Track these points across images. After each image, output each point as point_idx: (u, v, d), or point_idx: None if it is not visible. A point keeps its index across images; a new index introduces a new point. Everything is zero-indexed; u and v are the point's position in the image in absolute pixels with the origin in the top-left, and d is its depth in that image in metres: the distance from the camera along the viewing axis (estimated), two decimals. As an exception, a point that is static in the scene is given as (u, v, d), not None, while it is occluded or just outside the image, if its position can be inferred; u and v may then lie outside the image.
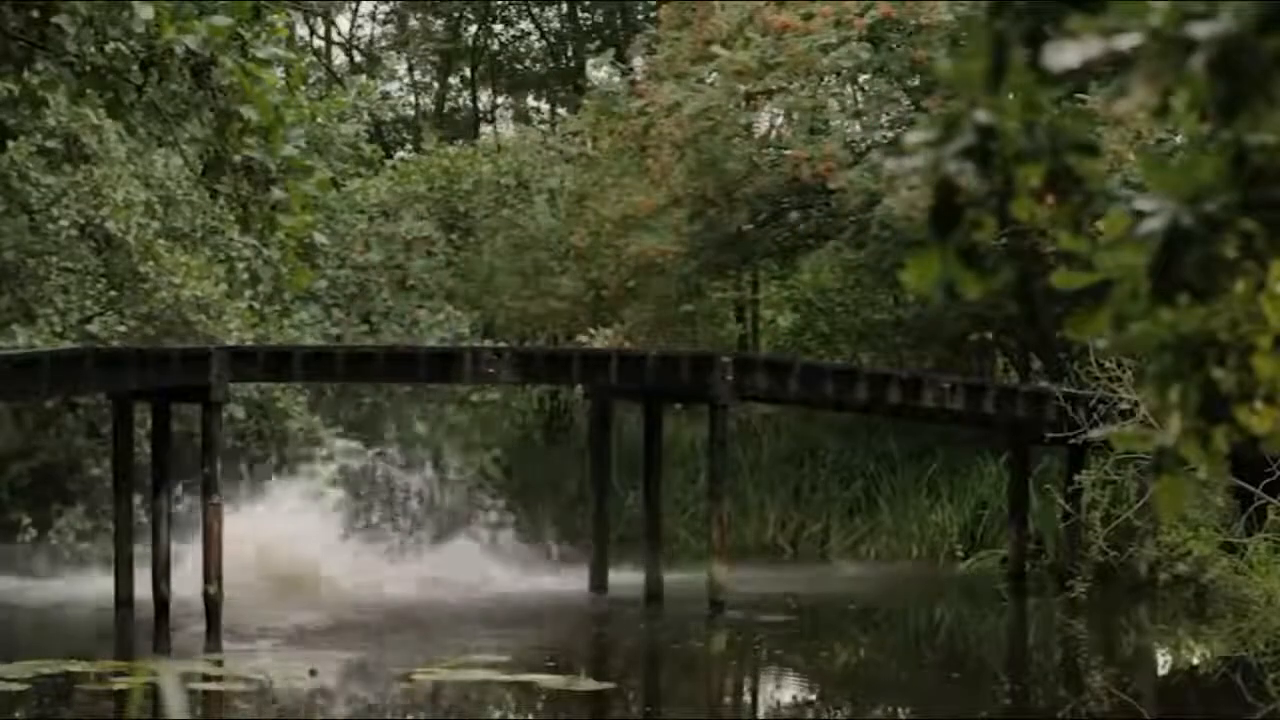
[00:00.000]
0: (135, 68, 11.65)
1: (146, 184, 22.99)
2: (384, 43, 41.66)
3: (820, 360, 25.48)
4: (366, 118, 30.93)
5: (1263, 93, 2.43)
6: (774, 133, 26.11)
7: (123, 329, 21.94)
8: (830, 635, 18.31)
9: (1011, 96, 2.55)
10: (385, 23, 42.44)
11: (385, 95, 35.65)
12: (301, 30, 38.61)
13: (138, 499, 19.44)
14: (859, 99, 26.31)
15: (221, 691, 13.91)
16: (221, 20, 11.43)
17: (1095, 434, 3.26)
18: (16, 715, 13.38)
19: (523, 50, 42.07)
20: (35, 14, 11.64)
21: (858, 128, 25.01)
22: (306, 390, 25.04)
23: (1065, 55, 2.49)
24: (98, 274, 22.51)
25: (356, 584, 20.18)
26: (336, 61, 40.65)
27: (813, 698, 15.20)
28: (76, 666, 14.63)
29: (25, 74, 12.37)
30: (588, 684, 14.66)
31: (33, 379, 17.12)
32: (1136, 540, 20.16)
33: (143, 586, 18.41)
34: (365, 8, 50.51)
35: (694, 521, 24.28)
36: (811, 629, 18.62)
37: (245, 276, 23.05)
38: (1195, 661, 17.49)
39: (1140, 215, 2.56)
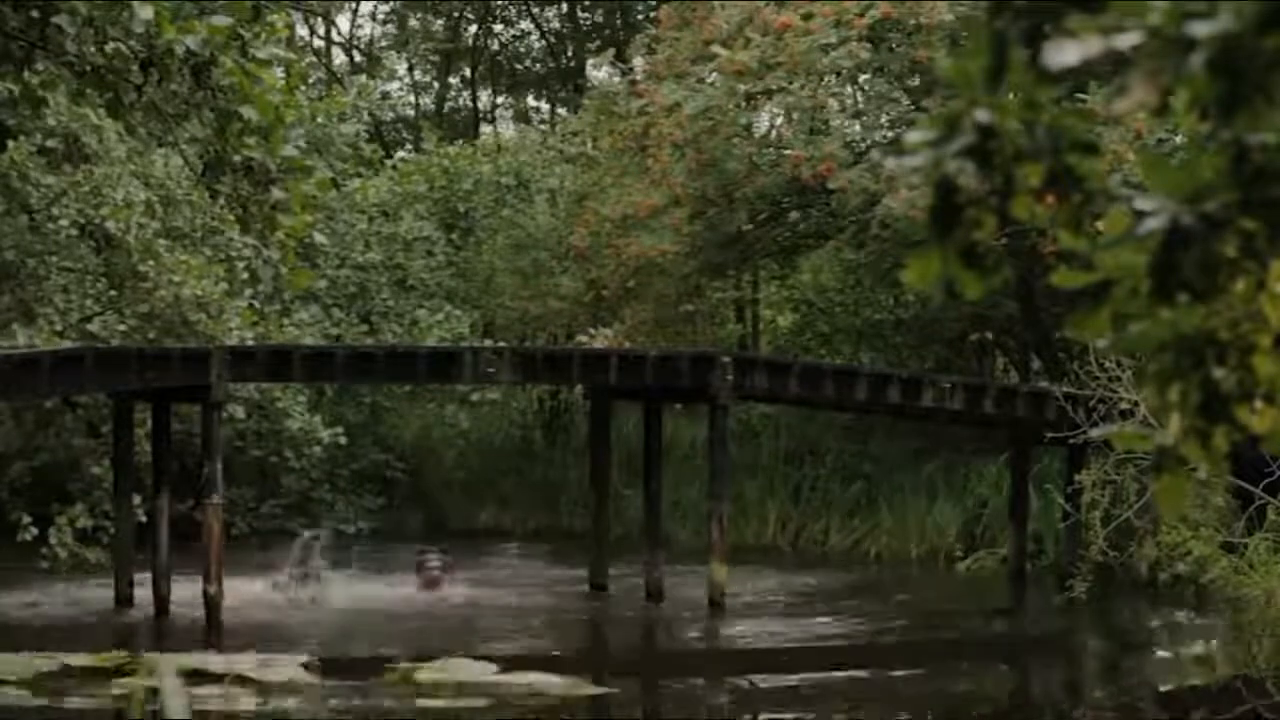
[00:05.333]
0: (135, 68, 11.65)
1: (146, 184, 22.98)
2: (384, 43, 41.66)
3: (820, 360, 25.48)
4: (366, 118, 30.94)
5: (1263, 92, 2.43)
6: (774, 133, 26.11)
7: (123, 329, 21.93)
8: (829, 633, 18.29)
9: (1011, 96, 2.55)
10: (385, 23, 42.48)
11: (385, 95, 35.67)
12: (301, 30, 38.63)
13: (137, 499, 19.45)
14: (859, 99, 26.31)
15: (222, 692, 13.90)
16: (221, 20, 11.44)
17: (1095, 434, 3.26)
18: (15, 716, 13.37)
19: (523, 50, 42.09)
20: (35, 14, 11.65)
21: (858, 128, 25.00)
22: (306, 390, 25.05)
23: (1065, 54, 2.49)
24: (98, 274, 22.51)
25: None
26: (336, 61, 40.67)
27: (813, 696, 15.18)
28: (76, 667, 14.61)
29: (25, 74, 12.37)
30: (588, 684, 14.66)
31: (33, 379, 17.12)
32: (1136, 540, 20.16)
33: (142, 586, 18.43)
34: (365, 8, 50.59)
35: (694, 521, 24.29)
36: (810, 626, 18.61)
37: (245, 276, 23.05)
38: (1195, 665, 17.46)
39: (1140, 215, 2.56)
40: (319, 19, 40.08)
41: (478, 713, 13.95)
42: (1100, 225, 2.62)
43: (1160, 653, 18.10)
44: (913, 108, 23.41)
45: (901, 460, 25.18)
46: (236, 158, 11.92)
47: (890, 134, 23.63)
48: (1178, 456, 2.69)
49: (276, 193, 12.05)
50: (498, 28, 41.64)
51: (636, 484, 22.81)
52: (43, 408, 23.04)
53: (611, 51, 31.36)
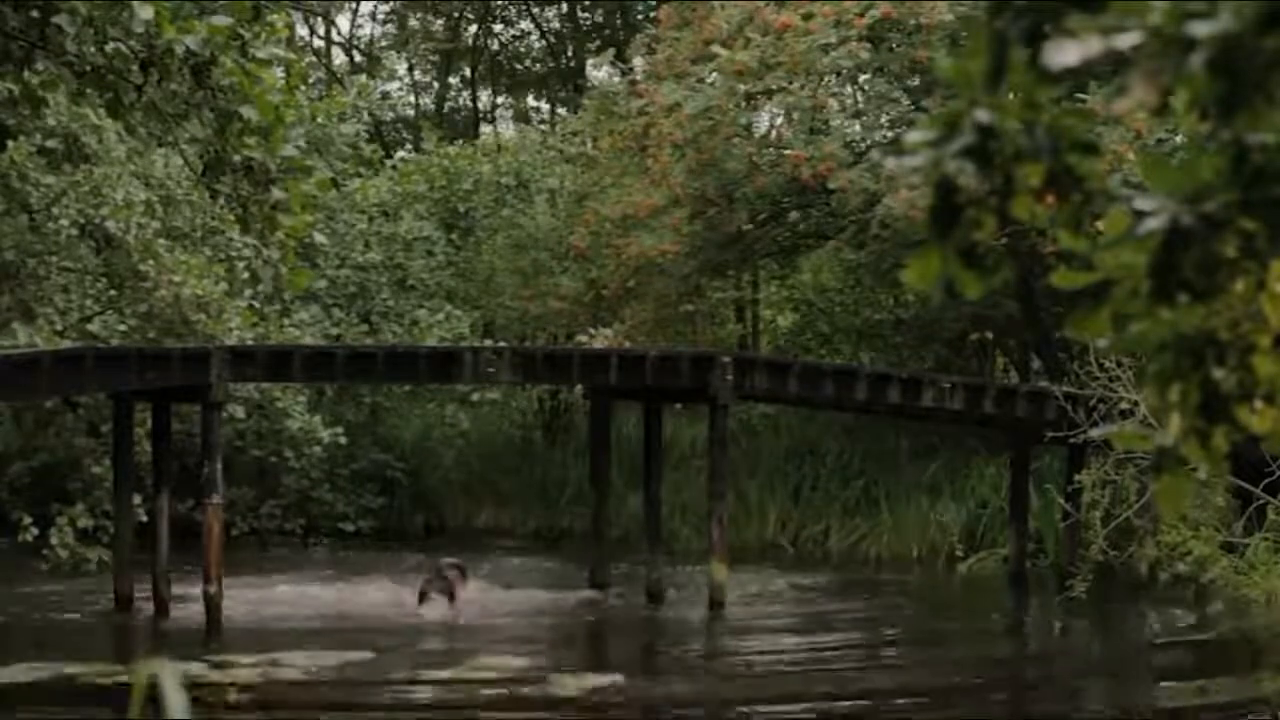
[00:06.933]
0: (135, 68, 11.65)
1: (146, 184, 22.98)
2: (384, 43, 41.66)
3: (820, 360, 25.48)
4: (366, 118, 30.94)
5: (1262, 92, 2.43)
6: (774, 133, 26.11)
7: (123, 328, 21.93)
8: (829, 633, 18.30)
9: (1011, 96, 2.55)
10: (385, 23, 42.49)
11: (385, 95, 35.66)
12: (301, 30, 38.65)
13: (138, 499, 19.44)
14: (859, 99, 26.31)
15: (222, 692, 13.90)
16: (221, 20, 11.44)
17: (1095, 434, 3.26)
18: (16, 716, 13.37)
19: (523, 50, 42.09)
20: (35, 14, 11.65)
21: (858, 128, 25.00)
22: (306, 390, 25.04)
23: (1065, 54, 2.49)
24: (98, 273, 22.50)
25: None
26: (336, 61, 40.67)
27: (814, 696, 15.18)
28: (76, 666, 14.62)
29: (25, 74, 12.37)
30: (588, 684, 14.66)
31: (33, 379, 17.12)
32: (1136, 540, 20.16)
33: (142, 586, 18.43)
34: (365, 8, 50.66)
35: (694, 521, 24.29)
36: (811, 626, 18.62)
37: (245, 276, 23.06)
38: (1196, 663, 17.46)
39: (1140, 215, 2.56)
40: (319, 19, 40.09)
41: (478, 713, 13.94)
42: (1100, 225, 2.62)
43: (1159, 649, 18.08)
44: (913, 108, 23.41)
45: (901, 460, 25.18)
46: (236, 158, 11.92)
47: (890, 134, 23.62)
48: (1178, 456, 2.69)
49: (276, 193, 12.05)
50: (498, 28, 41.64)
51: (636, 484, 22.80)
52: (43, 408, 23.03)
53: (611, 51, 31.36)
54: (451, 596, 19.00)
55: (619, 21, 38.61)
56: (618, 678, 15.30)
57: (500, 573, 21.78)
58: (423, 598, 18.53)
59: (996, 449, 23.50)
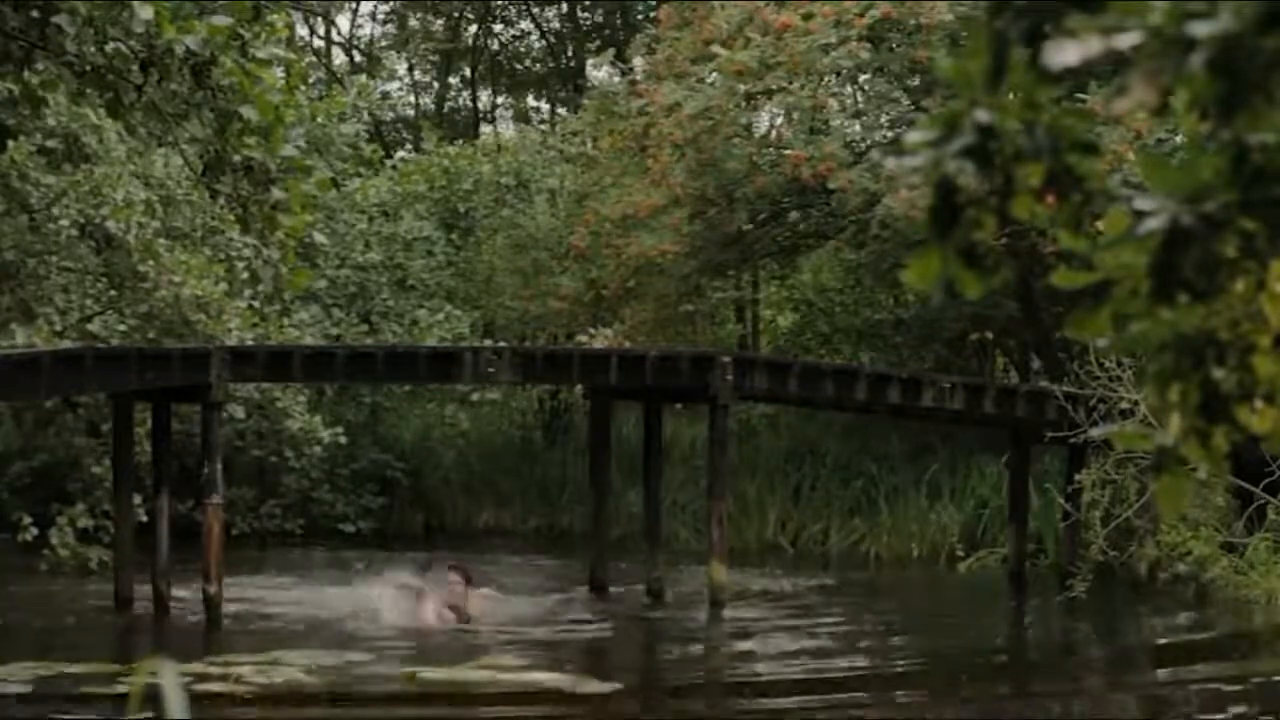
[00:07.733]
0: (135, 68, 11.66)
1: (146, 184, 22.98)
2: (384, 43, 41.66)
3: (820, 360, 25.47)
4: (366, 118, 30.94)
5: (1262, 92, 2.43)
6: (774, 133, 26.11)
7: (123, 328, 21.93)
8: (830, 633, 18.29)
9: (1011, 96, 2.55)
10: (385, 23, 42.49)
11: (385, 95, 35.67)
12: (301, 30, 38.65)
13: (138, 499, 19.43)
14: (859, 99, 26.31)
15: (221, 692, 13.88)
16: (221, 20, 11.45)
17: (1095, 434, 3.26)
18: (15, 717, 13.36)
19: (523, 50, 42.09)
20: (35, 14, 11.65)
21: (858, 128, 25.01)
22: (306, 390, 25.04)
23: (1065, 54, 2.49)
24: (98, 273, 22.50)
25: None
26: (336, 61, 40.66)
27: (814, 695, 15.17)
28: (76, 667, 14.61)
29: (25, 74, 12.37)
30: (587, 684, 14.65)
31: (33, 379, 17.11)
32: (1136, 540, 20.16)
33: (142, 586, 18.42)
34: (365, 8, 50.67)
35: (694, 521, 24.28)
36: (813, 628, 18.60)
37: (245, 276, 23.06)
38: (1195, 662, 17.46)
39: (1140, 215, 2.56)
40: (319, 19, 40.09)
41: (479, 713, 13.94)
42: (1100, 225, 2.62)
43: (1159, 650, 18.07)
44: (913, 108, 23.42)
45: (901, 460, 25.17)
46: (236, 158, 11.93)
47: (890, 134, 23.62)
48: (1178, 456, 2.69)
49: (276, 193, 12.06)
50: (498, 28, 41.64)
51: (636, 484, 22.79)
52: (43, 408, 23.03)
53: (611, 51, 31.36)
54: (454, 608, 18.47)
55: (619, 21, 38.60)
56: (618, 678, 15.29)
57: (500, 572, 21.78)
58: (422, 605, 18.42)
59: (996, 449, 23.50)
